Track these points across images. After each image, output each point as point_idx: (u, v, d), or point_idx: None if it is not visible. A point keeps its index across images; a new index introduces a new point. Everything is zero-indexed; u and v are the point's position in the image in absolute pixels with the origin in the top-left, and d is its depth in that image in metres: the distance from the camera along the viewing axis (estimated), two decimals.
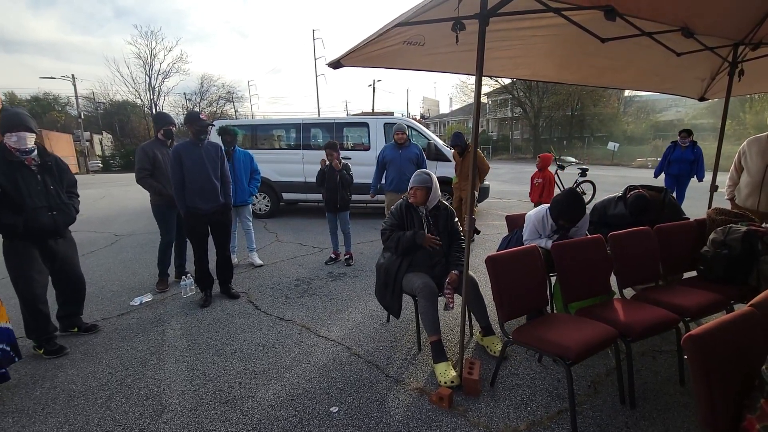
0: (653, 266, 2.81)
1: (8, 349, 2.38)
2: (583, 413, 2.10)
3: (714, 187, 3.57)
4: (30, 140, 2.61)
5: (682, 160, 6.24)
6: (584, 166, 9.33)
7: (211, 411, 2.17)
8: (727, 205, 3.56)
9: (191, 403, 2.24)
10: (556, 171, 8.96)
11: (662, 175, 6.61)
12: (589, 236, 2.79)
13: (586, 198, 8.77)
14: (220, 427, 2.05)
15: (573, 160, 11.92)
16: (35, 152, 2.66)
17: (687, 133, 6.23)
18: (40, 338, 2.77)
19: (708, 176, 6.24)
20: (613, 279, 2.69)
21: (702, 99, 3.98)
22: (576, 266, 2.51)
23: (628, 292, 2.77)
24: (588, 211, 3.50)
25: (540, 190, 5.39)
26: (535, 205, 5.30)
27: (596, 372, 2.47)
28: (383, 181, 5.20)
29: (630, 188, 3.40)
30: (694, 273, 2.94)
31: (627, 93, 31.77)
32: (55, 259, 2.83)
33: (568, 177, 9.41)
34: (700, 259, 2.82)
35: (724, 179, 3.72)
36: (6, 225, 2.55)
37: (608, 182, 12.63)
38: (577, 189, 8.61)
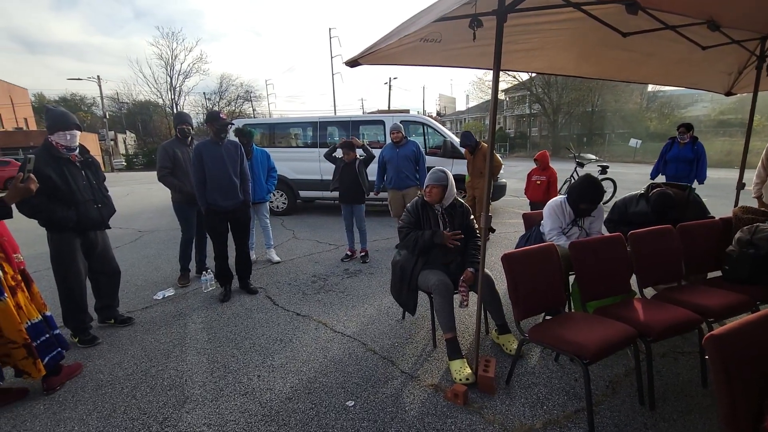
0: (675, 266, 2.75)
1: (59, 334, 2.49)
2: (601, 413, 2.08)
3: (741, 185, 3.46)
4: (78, 138, 2.78)
5: (680, 159, 5.35)
6: (604, 164, 9.09)
7: (231, 402, 2.24)
8: (754, 204, 3.45)
9: (212, 394, 2.31)
10: (575, 168, 8.80)
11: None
12: (609, 234, 2.74)
13: (607, 196, 8.58)
14: (239, 417, 2.11)
15: (593, 157, 11.60)
16: (78, 149, 2.80)
17: (686, 127, 5.36)
18: (77, 327, 2.90)
19: (710, 173, 5.66)
20: (633, 279, 2.64)
21: (729, 94, 3.85)
22: (594, 265, 2.48)
23: (649, 292, 2.72)
24: (608, 209, 3.45)
25: (543, 189, 5.27)
26: (536, 205, 5.21)
27: (614, 372, 2.43)
28: (384, 180, 5.24)
29: (652, 186, 3.32)
30: (718, 273, 2.86)
31: (650, 88, 30.83)
32: (95, 251, 2.96)
33: None
34: (724, 259, 2.74)
35: (751, 176, 3.60)
36: (61, 218, 2.67)
37: (630, 180, 12.32)
38: None
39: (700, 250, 2.87)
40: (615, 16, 2.28)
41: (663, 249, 2.71)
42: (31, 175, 2.22)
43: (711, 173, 5.39)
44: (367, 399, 2.24)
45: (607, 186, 8.81)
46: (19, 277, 2.30)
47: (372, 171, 5.07)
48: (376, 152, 7.36)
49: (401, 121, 7.54)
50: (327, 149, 4.95)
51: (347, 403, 2.20)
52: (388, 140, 7.49)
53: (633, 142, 18.00)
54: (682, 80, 3.75)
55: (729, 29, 2.57)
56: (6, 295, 2.14)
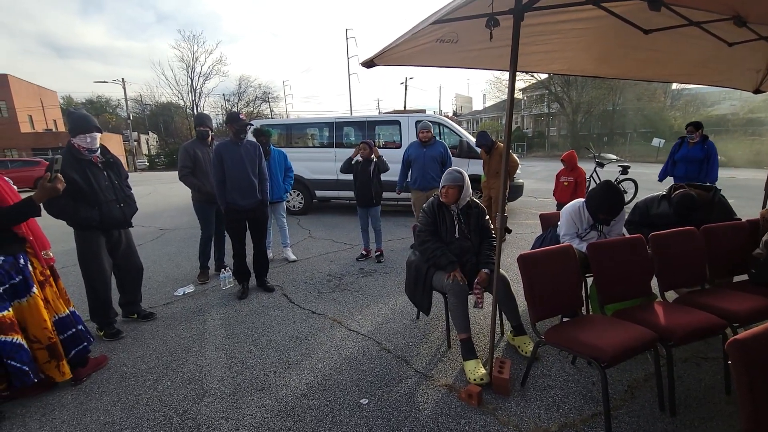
0: (699, 268, 2.67)
1: (84, 329, 2.59)
2: (619, 418, 2.04)
3: None
4: (99, 139, 2.84)
5: (689, 160, 5.07)
6: (625, 164, 8.87)
7: (248, 397, 2.29)
8: None
9: (230, 389, 2.37)
10: (595, 168, 8.62)
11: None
12: (628, 236, 2.69)
13: (627, 197, 8.37)
14: (256, 412, 2.15)
15: (613, 157, 11.30)
16: (99, 150, 2.87)
17: (695, 126, 5.11)
18: (102, 322, 3.01)
19: (738, 173, 5.40)
20: (654, 281, 2.58)
21: (757, 92, 3.72)
22: (613, 267, 2.43)
23: (671, 296, 2.65)
24: (628, 210, 3.37)
25: (571, 190, 5.17)
26: (563, 206, 5.12)
27: (634, 377, 2.38)
28: (408, 179, 5.21)
29: (675, 186, 3.24)
30: (745, 276, 2.77)
31: (675, 86, 29.95)
32: (119, 248, 3.05)
33: (607, 175, 9.01)
34: (751, 262, 2.65)
35: None
36: (84, 218, 2.76)
37: (652, 180, 11.91)
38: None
39: (726, 253, 2.78)
40: (636, 14, 2.24)
41: (686, 251, 2.64)
42: (59, 175, 2.27)
43: (738, 173, 5.16)
44: (381, 397, 2.25)
45: (628, 186, 8.61)
46: (48, 272, 2.40)
47: (398, 171, 5.04)
48: (393, 152, 7.36)
49: (417, 121, 7.56)
50: (342, 163, 4.82)
51: (361, 401, 2.22)
52: (405, 140, 7.53)
53: (656, 141, 17.51)
54: (708, 78, 3.64)
55: (756, 25, 2.48)
56: (35, 289, 2.23)
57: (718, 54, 2.89)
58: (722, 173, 5.70)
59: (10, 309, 2.13)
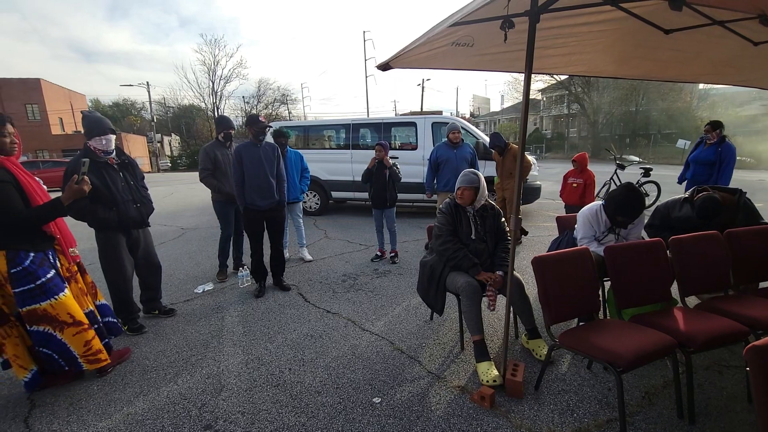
0: (722, 274, 2.60)
1: (115, 320, 2.71)
2: (635, 424, 2.00)
3: None
4: (114, 141, 2.90)
5: (699, 162, 4.70)
6: (647, 166, 8.65)
7: (264, 393, 2.34)
8: None
9: (246, 384, 2.43)
10: (615, 171, 8.45)
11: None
12: (648, 239, 2.64)
13: (650, 200, 8.16)
14: (271, 407, 2.20)
15: (636, 159, 11.03)
16: (114, 152, 2.93)
17: (712, 126, 4.64)
18: (126, 317, 3.12)
19: (751, 175, 4.98)
20: (675, 287, 2.52)
21: None
22: (631, 270, 2.39)
23: (692, 301, 2.59)
24: (647, 214, 3.30)
25: (579, 192, 5.03)
26: (571, 208, 5.01)
27: (652, 383, 2.33)
28: (435, 181, 5.19)
29: (698, 189, 3.15)
30: None
31: (701, 85, 28.91)
32: (138, 248, 3.13)
33: (629, 177, 8.82)
34: None
35: None
36: (102, 219, 2.85)
37: (675, 183, 11.62)
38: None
39: (751, 258, 2.69)
40: (657, 14, 2.20)
41: (708, 256, 2.57)
42: (85, 177, 2.37)
43: (766, 176, 4.90)
44: (394, 397, 2.27)
45: (650, 189, 8.40)
46: (75, 269, 2.50)
47: (413, 173, 4.99)
48: (408, 154, 7.34)
49: (433, 123, 7.56)
50: (363, 173, 4.82)
51: (374, 400, 2.24)
52: (421, 142, 7.53)
53: (681, 143, 16.98)
54: (733, 78, 3.53)
55: None
56: (66, 286, 2.34)
57: (743, 53, 2.80)
58: (752, 176, 5.47)
59: (66, 292, 2.29)
